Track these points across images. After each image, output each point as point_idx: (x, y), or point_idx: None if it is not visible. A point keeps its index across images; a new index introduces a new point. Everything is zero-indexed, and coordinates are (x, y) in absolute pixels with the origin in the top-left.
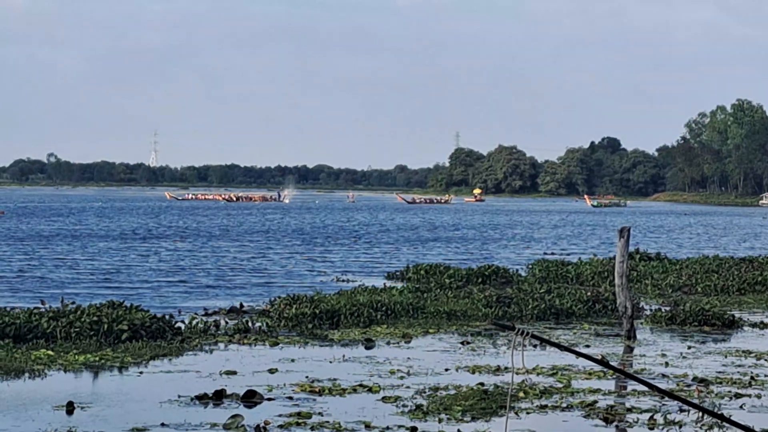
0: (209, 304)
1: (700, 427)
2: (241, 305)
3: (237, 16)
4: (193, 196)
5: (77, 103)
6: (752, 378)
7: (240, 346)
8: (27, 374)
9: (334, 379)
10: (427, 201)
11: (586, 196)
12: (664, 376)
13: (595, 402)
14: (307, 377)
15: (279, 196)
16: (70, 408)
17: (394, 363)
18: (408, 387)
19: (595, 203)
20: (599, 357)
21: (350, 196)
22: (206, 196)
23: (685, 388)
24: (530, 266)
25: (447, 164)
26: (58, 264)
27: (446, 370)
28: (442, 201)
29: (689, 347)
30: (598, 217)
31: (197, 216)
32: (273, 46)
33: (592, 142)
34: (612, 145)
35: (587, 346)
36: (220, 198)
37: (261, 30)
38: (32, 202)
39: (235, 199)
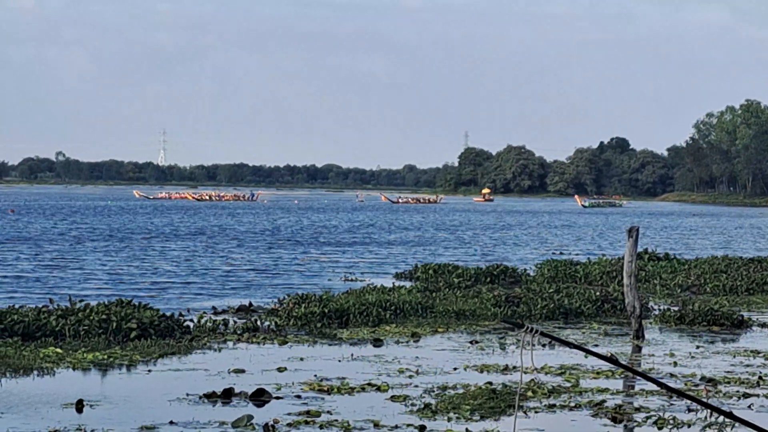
0: (218, 303)
1: (709, 427)
2: (250, 304)
3: (245, 16)
4: (167, 195)
5: (86, 101)
6: (760, 378)
7: (249, 344)
8: (36, 372)
9: (343, 378)
10: (414, 201)
11: (576, 197)
12: (672, 375)
13: (604, 401)
14: (315, 376)
15: (252, 195)
16: (79, 406)
17: (402, 362)
18: (417, 386)
19: (587, 203)
20: (609, 355)
21: (359, 196)
22: (181, 195)
23: (694, 388)
24: (539, 266)
25: (456, 164)
26: (66, 262)
27: (455, 369)
28: (431, 201)
29: (698, 347)
30: (587, 217)
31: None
32: (282, 46)
33: (601, 142)
34: (621, 145)
35: (596, 346)
36: (190, 197)
37: (269, 30)
38: (42, 200)
39: (207, 198)
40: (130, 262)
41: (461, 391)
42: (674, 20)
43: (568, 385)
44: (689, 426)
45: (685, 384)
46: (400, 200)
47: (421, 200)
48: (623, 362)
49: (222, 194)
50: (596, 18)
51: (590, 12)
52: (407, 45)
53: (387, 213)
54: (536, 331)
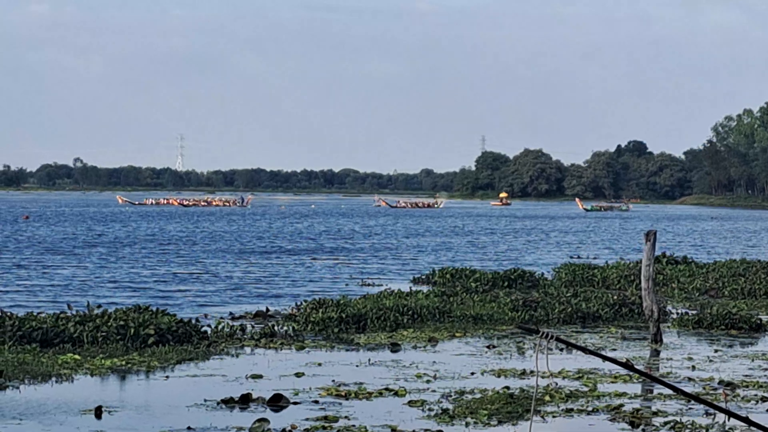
0: (235, 309)
1: (727, 431)
2: (267, 309)
3: (260, 21)
4: (153, 201)
5: (103, 108)
6: None
7: (266, 350)
8: (54, 379)
9: (361, 383)
10: (413, 205)
11: (577, 200)
12: (690, 379)
13: (621, 406)
14: (333, 381)
15: (243, 200)
16: (98, 412)
17: (420, 367)
18: (434, 391)
19: (589, 207)
20: (624, 360)
21: (376, 200)
22: (168, 201)
23: (712, 392)
24: (556, 270)
25: (473, 168)
26: (84, 269)
27: (472, 373)
28: (430, 205)
29: (716, 351)
30: (584, 222)
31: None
32: (297, 51)
33: (619, 146)
34: (638, 148)
35: (614, 350)
36: (176, 203)
37: (285, 34)
38: (59, 207)
39: (192, 204)
40: (145, 268)
41: (479, 395)
42: (690, 22)
43: (585, 389)
44: (707, 430)
45: (704, 388)
46: (399, 204)
47: (422, 204)
48: (641, 367)
49: (210, 199)
50: (612, 20)
51: (605, 14)
52: (423, 49)
53: (365, 219)
54: (552, 336)
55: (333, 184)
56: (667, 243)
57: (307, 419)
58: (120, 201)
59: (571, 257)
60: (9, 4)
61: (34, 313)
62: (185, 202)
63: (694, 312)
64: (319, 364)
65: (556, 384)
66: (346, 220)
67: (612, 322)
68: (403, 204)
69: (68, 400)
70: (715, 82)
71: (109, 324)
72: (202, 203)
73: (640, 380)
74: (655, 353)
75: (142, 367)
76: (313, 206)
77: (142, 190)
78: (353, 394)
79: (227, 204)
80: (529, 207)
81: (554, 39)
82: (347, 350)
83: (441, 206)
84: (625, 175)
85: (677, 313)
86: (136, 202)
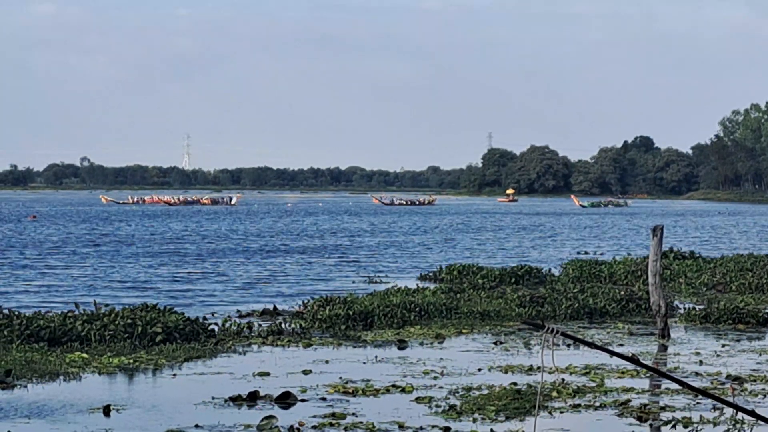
0: (243, 307)
1: (734, 425)
2: (275, 307)
3: (265, 20)
4: (140, 200)
5: (109, 107)
6: None
7: (273, 347)
8: (62, 377)
9: (368, 380)
10: (408, 203)
11: (573, 196)
12: (697, 374)
13: (629, 401)
14: (340, 378)
15: (230, 200)
16: (107, 410)
17: (427, 363)
18: (441, 387)
19: (586, 203)
20: (630, 355)
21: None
22: (155, 199)
23: (719, 386)
24: (564, 266)
25: (480, 165)
26: (90, 268)
27: (479, 370)
28: (425, 202)
29: (723, 345)
30: (577, 220)
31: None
32: (303, 50)
33: (625, 141)
34: (645, 144)
35: (621, 345)
36: (162, 201)
37: (290, 33)
38: (66, 206)
39: (179, 202)
40: (151, 267)
41: (486, 391)
42: (696, 17)
43: (593, 384)
44: (714, 425)
45: (711, 383)
46: (394, 202)
47: (417, 202)
48: (648, 362)
49: (197, 198)
50: (617, 17)
51: (611, 11)
52: (429, 47)
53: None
54: (556, 332)
55: (340, 181)
56: (675, 238)
57: (314, 416)
58: (104, 200)
59: (578, 253)
60: (14, 5)
61: (42, 312)
62: (171, 201)
63: (701, 307)
64: (327, 362)
65: (563, 380)
66: (351, 218)
67: (619, 318)
68: (398, 202)
69: (76, 398)
70: (722, 77)
71: (117, 322)
72: (188, 202)
73: (648, 375)
74: (663, 348)
75: (150, 366)
76: (320, 204)
77: (149, 189)
78: (360, 391)
79: (216, 203)
80: (535, 203)
81: (560, 35)
82: (354, 347)
83: (434, 203)
84: (632, 170)
85: (684, 308)
86: (120, 201)
